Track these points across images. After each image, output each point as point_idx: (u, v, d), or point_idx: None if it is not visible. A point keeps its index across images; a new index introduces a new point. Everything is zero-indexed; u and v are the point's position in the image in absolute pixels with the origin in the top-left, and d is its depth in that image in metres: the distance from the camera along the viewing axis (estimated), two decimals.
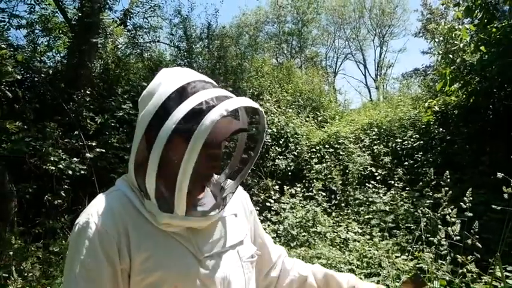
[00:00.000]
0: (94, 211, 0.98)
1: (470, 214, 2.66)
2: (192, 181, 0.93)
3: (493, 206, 2.52)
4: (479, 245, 2.39)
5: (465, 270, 2.70)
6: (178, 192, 0.93)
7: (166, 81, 1.01)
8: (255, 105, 1.02)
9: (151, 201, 0.97)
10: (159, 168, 0.94)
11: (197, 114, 0.91)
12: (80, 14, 7.51)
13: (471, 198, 2.66)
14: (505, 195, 2.32)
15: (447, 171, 2.96)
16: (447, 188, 2.82)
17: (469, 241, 2.46)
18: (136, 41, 9.59)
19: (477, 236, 2.44)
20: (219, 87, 1.05)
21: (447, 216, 2.72)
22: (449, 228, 2.65)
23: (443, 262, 2.94)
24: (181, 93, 0.97)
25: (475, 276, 3.08)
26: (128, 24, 8.88)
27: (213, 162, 1.03)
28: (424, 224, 3.19)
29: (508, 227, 2.31)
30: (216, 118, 0.90)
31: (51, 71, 7.71)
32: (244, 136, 1.19)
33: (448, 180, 2.86)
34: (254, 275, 1.18)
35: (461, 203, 2.65)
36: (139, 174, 0.99)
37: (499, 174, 2.35)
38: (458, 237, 2.61)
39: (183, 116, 0.92)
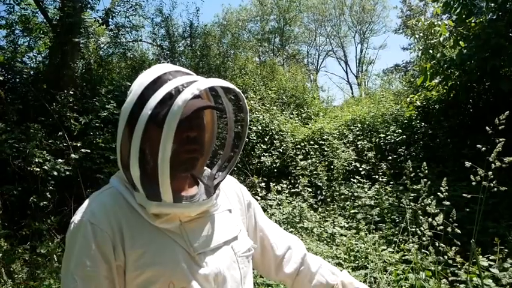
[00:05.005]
0: (88, 209, 0.99)
1: (448, 203, 2.67)
2: (174, 165, 0.93)
3: (464, 194, 2.52)
4: (459, 231, 2.43)
5: (446, 258, 2.76)
6: (161, 177, 0.92)
7: (143, 75, 1.03)
8: (229, 84, 1.02)
9: (140, 192, 0.97)
10: (143, 158, 0.96)
11: (170, 98, 0.93)
12: (61, 14, 7.41)
13: (447, 188, 2.68)
14: (473, 183, 2.36)
15: (424, 163, 3.00)
16: (426, 179, 2.87)
17: (449, 229, 2.51)
18: (119, 41, 9.53)
19: (456, 224, 2.48)
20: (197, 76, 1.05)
21: (427, 208, 2.76)
22: (434, 218, 2.70)
23: (426, 252, 3.00)
24: (157, 83, 0.98)
25: (459, 266, 3.17)
26: (109, 23, 8.80)
27: (192, 145, 1.01)
28: (409, 215, 3.25)
29: (480, 215, 2.36)
30: (187, 97, 0.91)
31: (32, 72, 7.61)
32: (231, 128, 1.17)
33: (426, 171, 2.89)
34: (251, 269, 1.18)
35: (438, 193, 2.67)
36: (126, 167, 0.99)
37: (467, 164, 2.39)
38: (441, 227, 2.63)
39: (158, 102, 0.93)
